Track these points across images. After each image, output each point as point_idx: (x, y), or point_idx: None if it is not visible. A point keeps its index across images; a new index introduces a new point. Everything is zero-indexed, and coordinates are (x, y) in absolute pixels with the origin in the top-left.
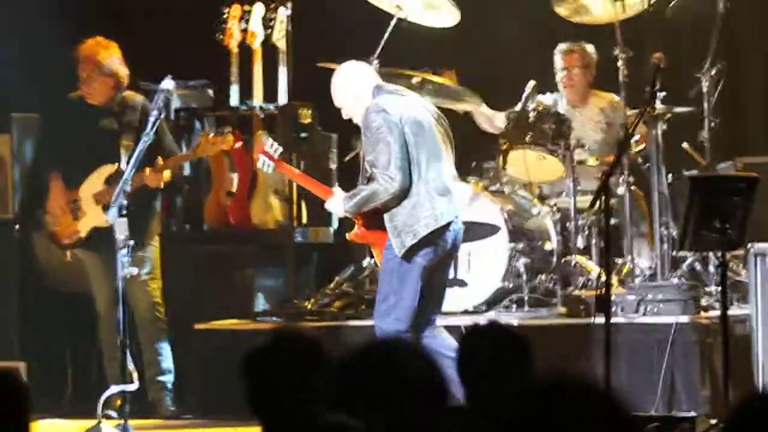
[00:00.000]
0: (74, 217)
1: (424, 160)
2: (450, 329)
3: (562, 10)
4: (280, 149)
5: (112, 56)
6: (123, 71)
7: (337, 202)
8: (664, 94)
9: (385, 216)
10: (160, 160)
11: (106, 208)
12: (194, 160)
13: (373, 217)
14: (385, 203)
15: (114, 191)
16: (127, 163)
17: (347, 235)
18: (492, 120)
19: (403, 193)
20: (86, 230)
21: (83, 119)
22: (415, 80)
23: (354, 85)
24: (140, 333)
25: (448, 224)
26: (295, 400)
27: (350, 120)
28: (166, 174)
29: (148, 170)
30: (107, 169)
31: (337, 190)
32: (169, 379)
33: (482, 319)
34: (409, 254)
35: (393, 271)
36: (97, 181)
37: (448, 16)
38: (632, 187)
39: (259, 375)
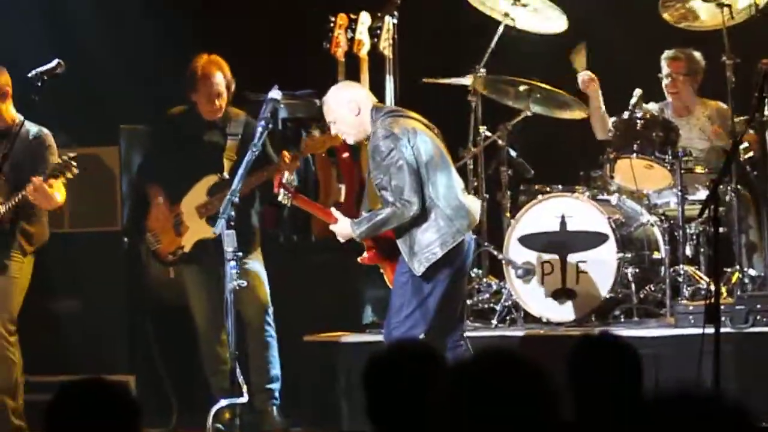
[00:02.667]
0: (177, 232)
1: (436, 180)
2: (560, 340)
3: (668, 16)
4: (296, 182)
5: (225, 74)
6: (233, 87)
7: (344, 227)
8: None
9: (399, 239)
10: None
11: (209, 220)
12: (301, 170)
13: (383, 241)
14: (398, 227)
15: (216, 203)
16: (234, 174)
17: (358, 259)
18: (605, 120)
19: (418, 217)
20: (190, 244)
21: (188, 132)
22: (522, 87)
23: (360, 103)
24: (249, 340)
25: (463, 240)
26: (414, 411)
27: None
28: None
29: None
30: (210, 180)
31: (338, 214)
32: (276, 386)
33: (593, 330)
34: (427, 274)
35: (406, 285)
36: (199, 192)
37: (555, 23)
38: (740, 195)
39: (379, 386)
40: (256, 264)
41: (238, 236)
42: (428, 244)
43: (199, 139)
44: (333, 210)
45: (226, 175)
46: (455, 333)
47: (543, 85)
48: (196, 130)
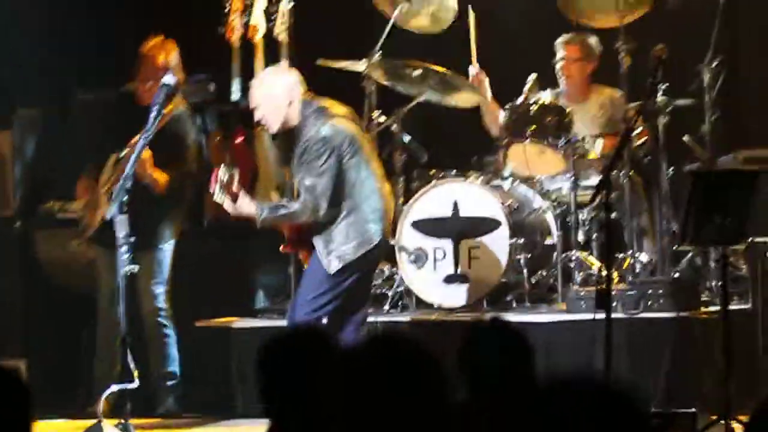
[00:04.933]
0: (93, 208)
1: (361, 182)
2: (452, 325)
3: (568, 13)
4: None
5: (170, 59)
6: (180, 75)
7: (248, 205)
8: (665, 86)
9: (315, 235)
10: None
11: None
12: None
13: (300, 234)
14: (317, 224)
15: (116, 180)
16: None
17: (281, 249)
18: (496, 114)
19: (329, 216)
20: (97, 221)
21: (113, 113)
22: (416, 72)
23: (291, 92)
24: (146, 331)
25: (373, 248)
26: (306, 396)
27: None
28: (161, 176)
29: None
30: (113, 159)
31: (246, 197)
32: (173, 378)
33: (484, 316)
34: (338, 272)
35: (316, 274)
36: (107, 172)
37: (439, 25)
38: (633, 181)
39: (272, 369)
40: (162, 257)
41: (146, 222)
42: (341, 245)
43: (127, 120)
44: (241, 193)
45: (126, 151)
46: (357, 317)
47: (437, 68)
48: (127, 111)
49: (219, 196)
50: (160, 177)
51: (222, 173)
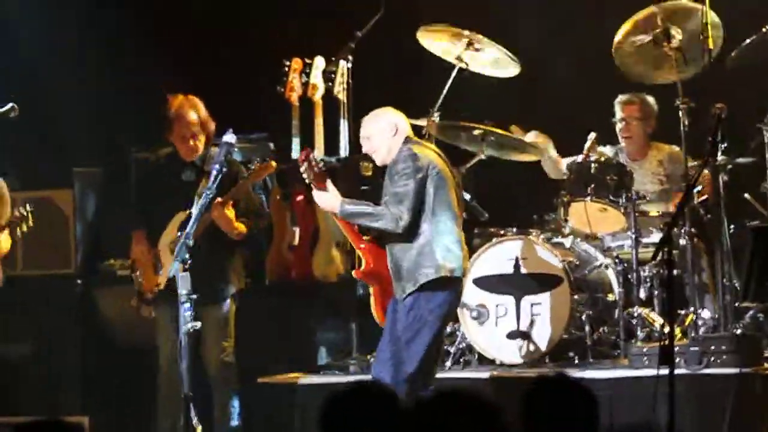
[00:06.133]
0: (155, 270)
1: (438, 213)
2: (514, 381)
3: (625, 71)
4: (323, 166)
5: (200, 113)
6: (212, 126)
7: (333, 198)
8: (725, 144)
9: (390, 262)
10: (218, 200)
11: None
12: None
13: (378, 266)
14: (392, 246)
15: None
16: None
17: (353, 273)
18: (558, 164)
19: (406, 236)
20: (164, 282)
21: (169, 173)
22: (477, 132)
23: (399, 126)
24: (212, 389)
25: (454, 280)
26: None
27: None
28: (240, 226)
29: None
30: (180, 217)
31: (331, 186)
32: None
33: (548, 372)
34: (414, 305)
35: (398, 321)
36: (172, 230)
37: (507, 69)
38: (694, 239)
39: (335, 425)
40: (226, 312)
41: (210, 278)
42: (414, 272)
43: (178, 179)
44: (328, 182)
45: (194, 210)
46: (431, 375)
47: (496, 130)
48: (176, 170)
49: (307, 176)
50: (240, 227)
51: (314, 154)
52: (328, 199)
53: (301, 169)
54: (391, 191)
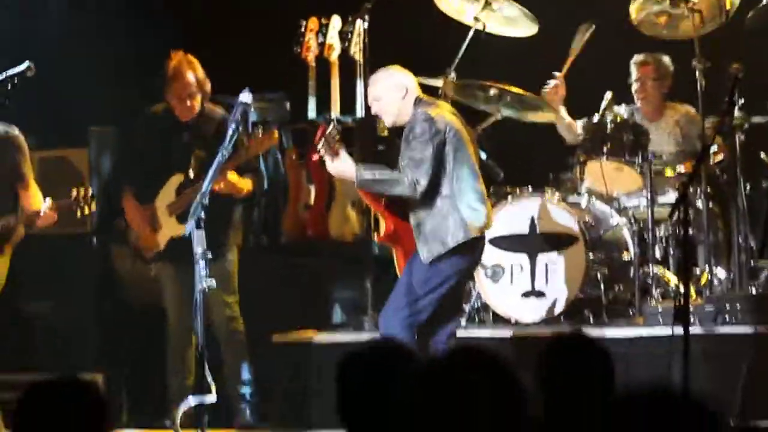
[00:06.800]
0: (153, 229)
1: (460, 173)
2: (529, 340)
3: (643, 30)
4: (339, 132)
5: (197, 73)
6: (208, 86)
7: (348, 167)
8: (742, 103)
9: (413, 222)
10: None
11: (179, 218)
12: (270, 170)
13: (399, 228)
14: (413, 207)
15: (185, 201)
16: (204, 174)
17: (375, 237)
18: (572, 128)
19: (428, 198)
20: (164, 242)
21: (160, 132)
22: (492, 91)
23: (408, 88)
24: (221, 346)
25: (478, 239)
26: (382, 410)
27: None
28: (245, 184)
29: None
30: (177, 179)
31: (346, 155)
32: (247, 390)
33: (564, 331)
34: (437, 262)
35: (415, 274)
36: (169, 191)
37: (525, 29)
38: (710, 199)
39: (350, 383)
40: (229, 268)
41: (213, 235)
42: (441, 234)
43: (172, 138)
44: (342, 151)
45: (191, 173)
46: (448, 329)
47: (512, 89)
48: (171, 128)
49: (322, 149)
50: (245, 185)
51: (331, 128)
52: (345, 168)
53: (318, 146)
54: (408, 156)
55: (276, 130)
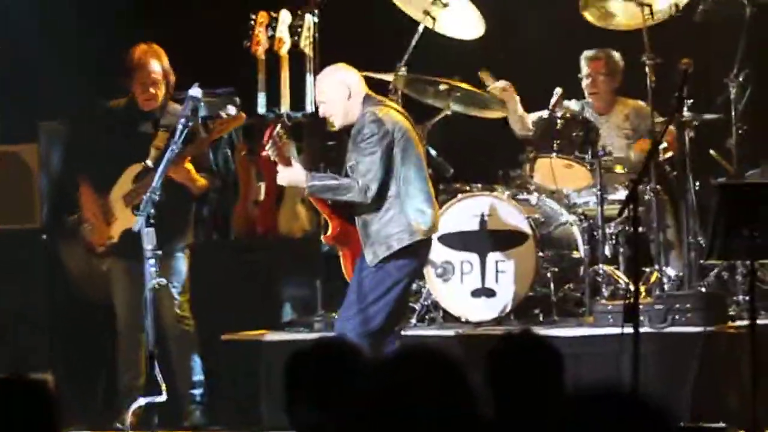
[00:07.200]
0: (106, 222)
1: (407, 175)
2: (479, 339)
3: (589, 15)
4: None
5: (162, 63)
6: (172, 77)
7: (298, 173)
8: (692, 100)
9: (358, 223)
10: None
11: (135, 209)
12: (221, 167)
13: (346, 229)
14: (359, 209)
15: (142, 191)
16: (156, 169)
17: (322, 238)
18: (524, 120)
19: (374, 204)
20: (118, 233)
21: (119, 124)
22: (442, 87)
23: (352, 87)
24: (170, 345)
25: (424, 242)
26: (331, 409)
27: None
28: (202, 181)
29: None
30: (135, 169)
31: (296, 162)
32: (198, 392)
33: (513, 329)
34: (383, 265)
35: (365, 280)
36: (126, 181)
37: (473, 30)
38: (659, 195)
39: (299, 382)
40: (181, 266)
41: (167, 232)
42: (387, 236)
43: (133, 129)
44: (293, 159)
45: (149, 162)
46: (397, 330)
47: (463, 85)
48: (132, 120)
49: (270, 151)
50: (201, 181)
51: (278, 128)
52: (294, 175)
53: (267, 148)
54: (357, 161)
55: (243, 113)
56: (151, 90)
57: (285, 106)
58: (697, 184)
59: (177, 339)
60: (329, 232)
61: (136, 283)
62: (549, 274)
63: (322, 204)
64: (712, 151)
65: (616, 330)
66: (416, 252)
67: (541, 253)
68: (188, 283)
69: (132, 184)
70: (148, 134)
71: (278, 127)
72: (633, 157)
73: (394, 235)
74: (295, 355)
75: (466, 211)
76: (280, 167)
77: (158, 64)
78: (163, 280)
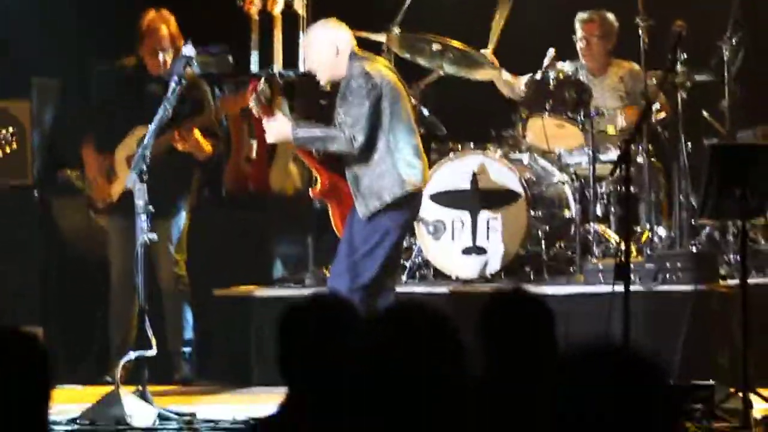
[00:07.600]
0: (108, 180)
1: (396, 128)
2: (469, 296)
3: None
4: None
5: (171, 28)
6: (181, 42)
7: (284, 125)
8: (684, 62)
9: (349, 177)
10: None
11: None
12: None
13: (337, 180)
14: (350, 163)
15: None
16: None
17: (311, 192)
18: (513, 86)
19: (365, 154)
20: (118, 193)
21: (127, 84)
22: (435, 46)
23: (339, 44)
24: (164, 301)
25: (415, 195)
26: (323, 365)
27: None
28: (208, 148)
29: (177, 134)
30: (141, 131)
31: (280, 114)
32: (189, 350)
33: (505, 286)
34: (375, 218)
35: (356, 233)
36: (130, 143)
37: None
38: (652, 157)
39: (291, 338)
40: (180, 225)
41: (168, 191)
42: (379, 189)
43: (140, 90)
44: (277, 111)
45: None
46: (389, 285)
47: (456, 44)
48: (140, 80)
49: (255, 108)
50: (207, 146)
51: (262, 86)
52: (279, 127)
53: (250, 101)
54: (345, 112)
55: (249, 93)
56: (160, 56)
57: (278, 65)
58: (689, 144)
59: (172, 297)
60: (318, 187)
61: (132, 242)
62: (540, 233)
63: (311, 158)
64: (704, 112)
65: (607, 288)
66: (408, 204)
67: (532, 212)
68: (185, 243)
69: (137, 147)
70: (154, 96)
71: (261, 83)
72: (621, 122)
73: (386, 188)
74: (289, 311)
75: (458, 170)
76: (264, 120)
77: (167, 29)
78: (154, 236)
